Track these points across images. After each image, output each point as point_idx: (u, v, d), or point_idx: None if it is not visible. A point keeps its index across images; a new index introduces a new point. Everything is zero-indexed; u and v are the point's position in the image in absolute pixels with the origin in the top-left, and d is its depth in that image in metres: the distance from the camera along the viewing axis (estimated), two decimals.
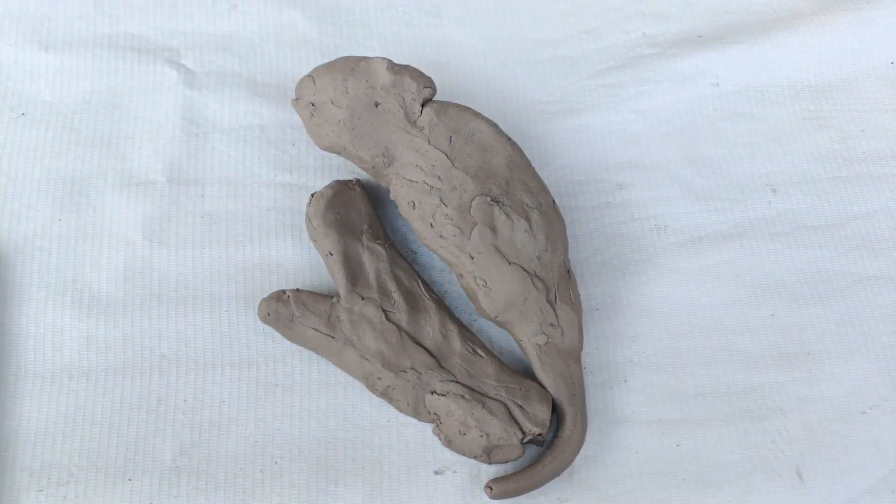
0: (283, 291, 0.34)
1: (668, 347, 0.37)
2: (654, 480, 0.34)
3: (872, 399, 0.36)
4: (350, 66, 0.34)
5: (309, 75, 0.34)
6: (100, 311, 0.36)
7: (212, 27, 0.42)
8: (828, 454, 0.35)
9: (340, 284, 0.34)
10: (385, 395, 0.34)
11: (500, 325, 0.34)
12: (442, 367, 0.33)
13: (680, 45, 0.43)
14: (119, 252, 0.37)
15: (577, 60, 0.42)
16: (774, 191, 0.40)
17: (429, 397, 0.33)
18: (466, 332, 0.35)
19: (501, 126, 0.34)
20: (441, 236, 0.34)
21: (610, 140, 0.41)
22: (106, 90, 0.40)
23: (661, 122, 0.41)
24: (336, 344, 0.34)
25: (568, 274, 0.34)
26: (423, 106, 0.33)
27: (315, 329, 0.34)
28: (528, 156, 0.35)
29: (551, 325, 0.33)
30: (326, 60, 0.34)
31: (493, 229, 0.33)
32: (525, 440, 0.33)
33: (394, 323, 0.34)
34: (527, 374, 0.35)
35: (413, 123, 0.33)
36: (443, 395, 0.33)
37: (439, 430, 0.33)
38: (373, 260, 0.35)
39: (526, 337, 0.34)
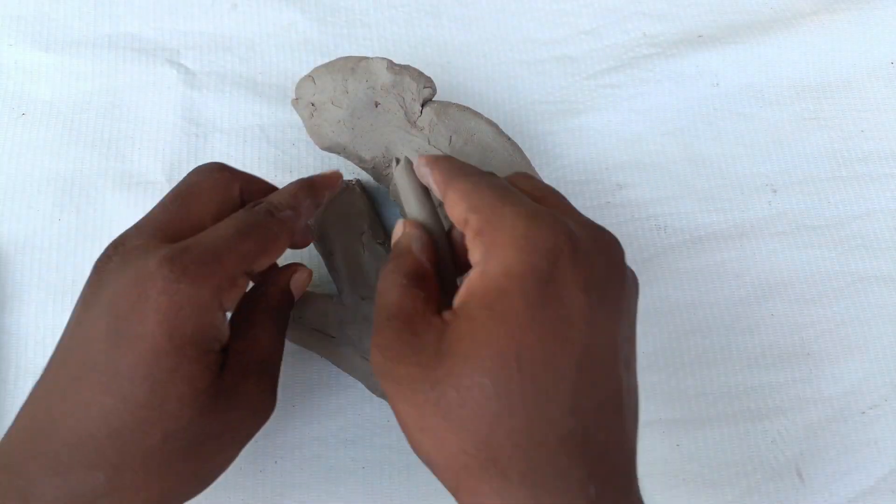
0: None
1: (668, 347, 0.37)
2: (654, 480, 0.34)
3: (872, 399, 0.36)
4: (350, 66, 0.34)
5: (309, 75, 0.34)
6: None
7: (212, 27, 0.42)
8: (828, 454, 0.35)
9: (340, 284, 0.34)
10: (385, 395, 0.34)
11: None
12: None
13: (680, 45, 0.43)
14: None
15: (577, 60, 0.42)
16: (774, 191, 0.40)
17: None
18: None
19: (501, 126, 0.34)
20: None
21: (610, 140, 0.41)
22: (106, 90, 0.40)
23: (661, 122, 0.41)
24: (336, 344, 0.34)
25: None
26: (423, 106, 0.33)
27: (315, 329, 0.34)
28: (528, 156, 0.35)
29: None
30: (326, 60, 0.34)
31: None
32: None
33: None
34: None
35: (413, 123, 0.33)
36: None
37: None
38: (373, 260, 0.34)
39: None
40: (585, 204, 0.39)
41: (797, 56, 0.43)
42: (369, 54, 0.36)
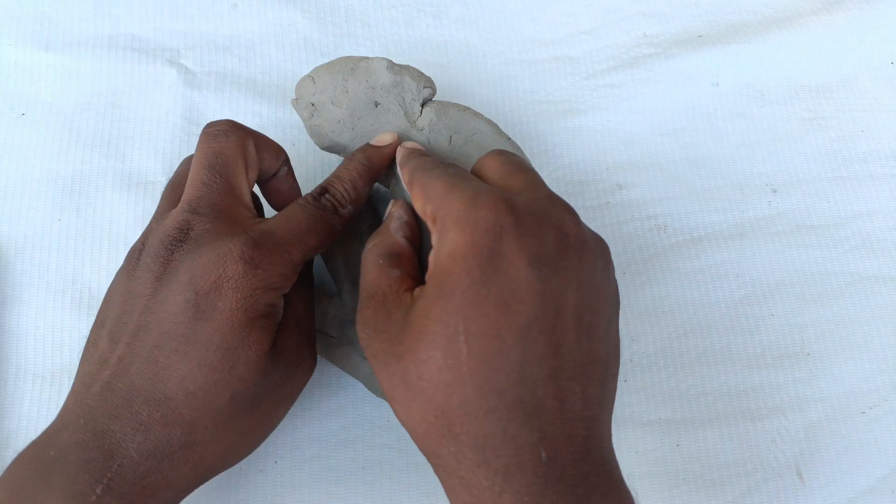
0: None
1: (668, 347, 0.37)
2: (654, 480, 0.34)
3: (872, 399, 0.36)
4: (350, 66, 0.33)
5: (309, 75, 0.34)
6: None
7: (212, 27, 0.42)
8: (828, 454, 0.35)
9: (340, 284, 0.34)
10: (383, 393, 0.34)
11: None
12: None
13: (680, 45, 0.43)
14: (119, 252, 0.37)
15: (577, 60, 0.42)
16: (774, 191, 0.40)
17: None
18: None
19: (501, 126, 0.34)
20: None
21: (610, 140, 0.41)
22: (106, 90, 0.40)
23: (661, 122, 0.41)
24: (336, 344, 0.34)
25: None
26: (423, 106, 0.33)
27: (315, 329, 0.34)
28: (528, 156, 0.35)
29: None
30: (326, 60, 0.34)
31: None
32: None
33: None
34: None
35: (413, 123, 0.33)
36: None
37: None
38: None
39: None
40: (585, 204, 0.39)
41: (797, 56, 0.43)
42: (369, 54, 0.36)
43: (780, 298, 0.38)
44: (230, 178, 0.28)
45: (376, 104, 0.33)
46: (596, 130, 0.41)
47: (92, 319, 0.35)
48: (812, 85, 0.43)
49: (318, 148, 0.36)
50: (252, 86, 0.41)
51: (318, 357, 0.34)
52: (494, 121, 0.34)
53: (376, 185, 0.37)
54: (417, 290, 0.26)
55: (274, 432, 0.33)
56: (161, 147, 0.39)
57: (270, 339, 0.27)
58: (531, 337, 0.23)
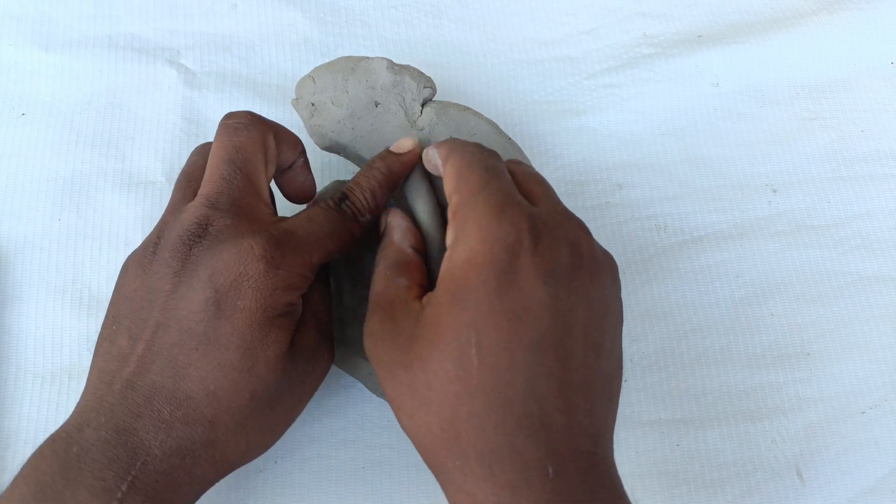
0: None
1: (668, 347, 0.37)
2: (654, 480, 0.34)
3: (872, 399, 0.36)
4: (350, 66, 0.34)
5: (309, 75, 0.34)
6: (100, 311, 0.36)
7: (212, 27, 0.42)
8: (828, 454, 0.35)
9: (340, 284, 0.34)
10: (384, 394, 0.34)
11: None
12: None
13: (680, 45, 0.43)
14: (119, 252, 0.37)
15: (577, 60, 0.42)
16: (774, 191, 0.40)
17: None
18: None
19: (501, 126, 0.34)
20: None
21: (610, 140, 0.41)
22: (106, 90, 0.40)
23: (661, 122, 0.41)
24: (336, 344, 0.34)
25: None
26: (423, 106, 0.33)
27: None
28: (528, 156, 0.35)
29: None
30: (326, 60, 0.34)
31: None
32: None
33: None
34: None
35: (413, 123, 0.33)
36: None
37: None
38: (373, 260, 0.34)
39: None
40: (585, 204, 0.39)
41: (797, 56, 0.43)
42: (369, 54, 0.36)
43: (780, 298, 0.38)
44: (251, 174, 0.28)
45: (376, 104, 0.33)
46: (596, 130, 0.41)
47: (92, 319, 0.36)
48: (812, 85, 0.43)
49: (318, 148, 0.36)
50: (252, 86, 0.41)
51: None
52: (494, 121, 0.34)
53: None
54: (426, 297, 0.26)
55: None
56: (161, 147, 0.39)
57: (289, 338, 0.27)
58: (541, 352, 0.23)
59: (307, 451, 0.34)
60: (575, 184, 0.40)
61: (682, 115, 0.41)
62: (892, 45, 0.43)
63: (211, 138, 0.39)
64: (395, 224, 0.30)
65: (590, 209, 0.39)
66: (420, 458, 0.34)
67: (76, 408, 0.26)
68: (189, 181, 0.29)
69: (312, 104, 0.34)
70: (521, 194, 0.26)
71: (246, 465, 0.33)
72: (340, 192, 0.30)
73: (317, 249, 0.27)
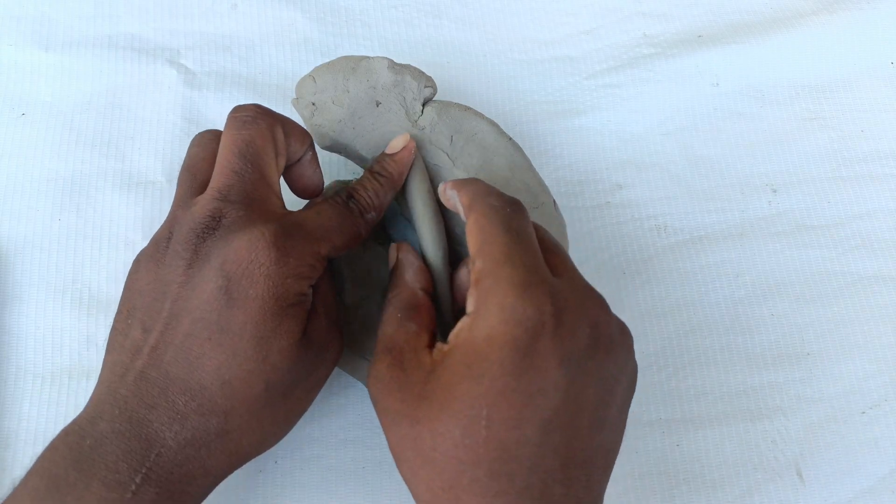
0: None
1: (668, 347, 0.37)
2: (654, 480, 0.34)
3: (872, 399, 0.36)
4: (351, 66, 0.33)
5: (309, 75, 0.34)
6: (100, 311, 0.36)
7: (212, 27, 0.42)
8: (828, 454, 0.35)
9: (341, 284, 0.34)
10: None
11: None
12: None
13: (680, 45, 0.43)
14: (119, 252, 0.37)
15: (577, 60, 0.42)
16: (774, 191, 0.40)
17: None
18: None
19: (501, 126, 0.34)
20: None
21: (610, 140, 0.41)
22: (106, 90, 0.40)
23: (661, 122, 0.41)
24: None
25: None
26: (423, 105, 0.33)
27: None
28: (528, 156, 0.35)
29: None
30: (326, 60, 0.34)
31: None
32: None
33: None
34: None
35: (414, 123, 0.33)
36: None
37: None
38: (373, 260, 0.34)
39: None
40: (585, 204, 0.39)
41: (797, 56, 0.43)
42: (369, 54, 0.36)
43: (780, 298, 0.38)
44: (262, 166, 0.28)
45: (377, 104, 0.33)
46: (596, 130, 0.41)
47: (92, 319, 0.36)
48: (812, 85, 0.43)
49: (318, 148, 0.36)
50: (252, 86, 0.41)
51: None
52: (494, 121, 0.34)
53: None
54: (437, 353, 0.26)
55: None
56: (161, 147, 0.39)
57: (301, 327, 0.27)
58: (550, 431, 0.24)
59: (307, 451, 0.34)
60: (575, 184, 0.40)
61: (682, 115, 0.41)
62: (892, 45, 0.43)
63: None
64: (407, 262, 0.30)
65: (590, 209, 0.39)
66: None
67: (88, 402, 0.26)
68: (193, 175, 0.29)
69: (313, 104, 0.34)
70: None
71: (246, 465, 0.33)
72: (346, 191, 0.30)
73: (325, 241, 0.28)
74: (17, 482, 0.33)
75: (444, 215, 0.33)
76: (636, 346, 0.36)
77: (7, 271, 0.37)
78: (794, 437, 0.35)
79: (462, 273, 0.30)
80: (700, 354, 0.37)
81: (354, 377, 0.34)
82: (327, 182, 0.36)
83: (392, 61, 0.33)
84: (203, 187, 0.28)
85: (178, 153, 0.39)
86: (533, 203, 0.34)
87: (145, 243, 0.37)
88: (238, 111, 0.29)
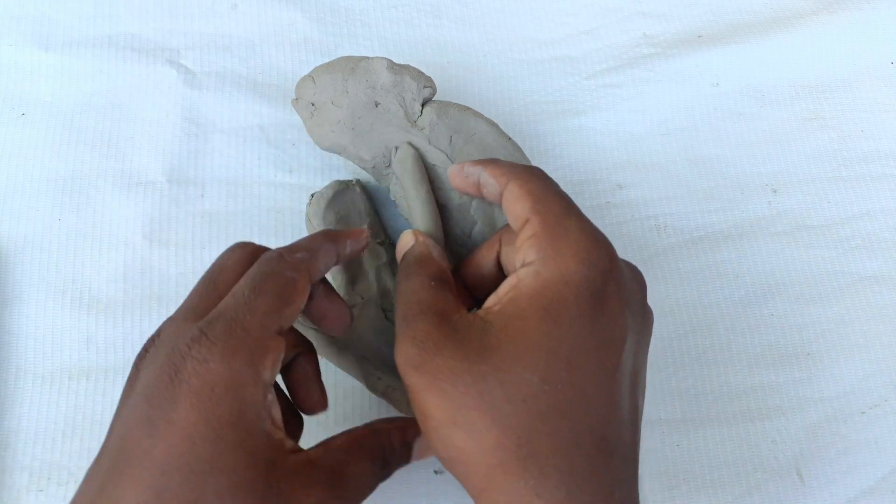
0: None
1: (668, 347, 0.37)
2: (654, 480, 0.34)
3: (872, 399, 0.36)
4: (350, 66, 0.33)
5: (309, 75, 0.34)
6: (100, 311, 0.36)
7: (212, 27, 0.42)
8: (828, 454, 0.35)
9: (340, 284, 0.34)
10: (385, 395, 0.34)
11: None
12: None
13: (680, 45, 0.43)
14: (119, 252, 0.37)
15: (577, 60, 0.42)
16: (774, 191, 0.40)
17: None
18: None
19: (502, 126, 0.34)
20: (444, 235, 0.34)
21: (610, 140, 0.41)
22: (106, 90, 0.40)
23: (661, 122, 0.41)
24: (336, 344, 0.34)
25: None
26: (423, 106, 0.33)
27: (315, 329, 0.34)
28: (528, 156, 0.34)
29: None
30: (326, 60, 0.34)
31: (494, 228, 0.33)
32: None
33: (392, 322, 0.34)
34: None
35: (413, 123, 0.33)
36: None
37: None
38: (373, 260, 0.34)
39: None
40: (585, 204, 0.39)
41: (797, 56, 0.43)
42: (369, 54, 0.36)
43: (780, 298, 0.38)
44: (217, 282, 0.26)
45: (376, 104, 0.33)
46: (596, 130, 0.41)
47: (92, 319, 0.36)
48: (812, 85, 0.43)
49: (318, 148, 0.36)
50: (252, 86, 0.41)
51: (319, 357, 0.34)
52: (494, 121, 0.34)
53: (376, 184, 0.37)
54: (486, 313, 0.24)
55: None
56: (161, 147, 0.39)
57: (253, 461, 0.21)
58: (614, 381, 0.23)
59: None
60: (575, 184, 0.40)
61: (682, 115, 0.41)
62: (892, 45, 0.43)
63: (210, 138, 0.39)
64: (431, 244, 0.29)
65: (590, 209, 0.39)
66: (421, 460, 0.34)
67: None
68: (207, 286, 0.26)
69: (312, 104, 0.34)
70: None
71: None
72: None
73: (250, 317, 0.23)
74: (16, 482, 0.33)
75: (441, 215, 0.33)
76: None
77: (7, 271, 0.37)
78: (794, 437, 0.35)
79: (483, 250, 0.29)
80: (700, 354, 0.37)
81: (354, 376, 0.34)
82: (327, 182, 0.36)
83: (391, 62, 0.33)
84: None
85: (178, 153, 0.39)
86: None
87: (145, 243, 0.37)
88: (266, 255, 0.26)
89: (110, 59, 0.41)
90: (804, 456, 0.35)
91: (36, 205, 0.38)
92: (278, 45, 0.42)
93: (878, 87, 0.43)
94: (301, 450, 0.24)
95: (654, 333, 0.37)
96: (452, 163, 0.33)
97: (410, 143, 0.33)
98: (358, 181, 0.37)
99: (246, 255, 0.27)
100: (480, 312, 0.24)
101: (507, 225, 0.28)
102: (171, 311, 0.35)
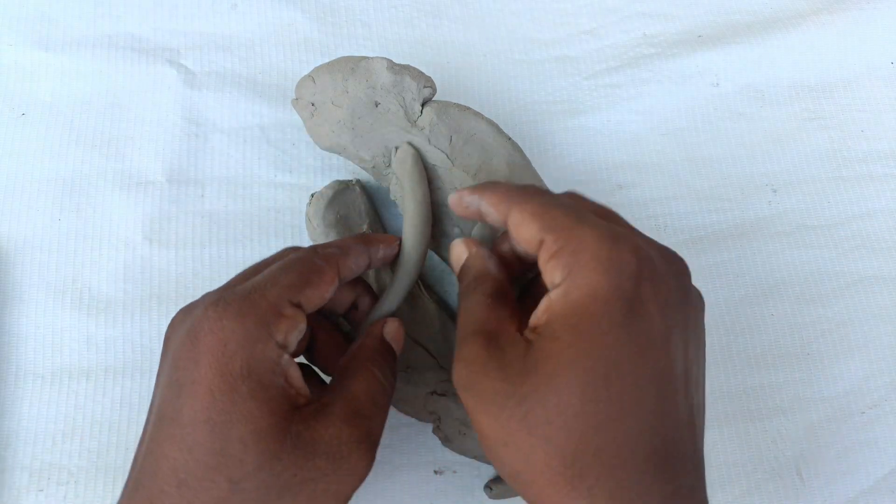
0: None
1: None
2: None
3: (872, 399, 0.36)
4: (350, 66, 0.33)
5: (309, 75, 0.34)
6: (100, 311, 0.36)
7: (212, 27, 0.42)
8: (828, 454, 0.35)
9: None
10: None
11: None
12: (442, 367, 0.33)
13: (680, 45, 0.43)
14: (119, 252, 0.37)
15: (577, 60, 0.42)
16: (774, 191, 0.40)
17: (429, 397, 0.33)
18: None
19: (501, 126, 0.34)
20: (442, 235, 0.34)
21: (610, 140, 0.41)
22: (106, 90, 0.40)
23: (661, 122, 0.41)
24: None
25: None
26: (423, 106, 0.33)
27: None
28: (528, 156, 0.34)
29: None
30: (326, 60, 0.34)
31: (493, 229, 0.33)
32: None
33: None
34: None
35: (413, 123, 0.33)
36: (443, 395, 0.33)
37: (439, 430, 0.33)
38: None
39: None
40: None
41: (797, 56, 0.43)
42: (369, 54, 0.36)
43: (780, 298, 0.38)
44: (260, 266, 0.27)
45: (376, 104, 0.33)
46: (596, 130, 0.41)
47: (92, 319, 0.36)
48: (812, 85, 0.43)
49: (318, 148, 0.36)
50: (252, 86, 0.41)
51: None
52: (494, 121, 0.34)
53: (376, 184, 0.37)
54: (528, 332, 0.24)
55: None
56: (161, 147, 0.39)
57: (269, 409, 0.23)
58: (662, 385, 0.23)
59: None
60: (575, 184, 0.40)
61: (682, 115, 0.41)
62: (892, 45, 0.43)
63: (210, 138, 0.39)
64: (486, 254, 0.28)
65: None
66: (420, 458, 0.34)
67: None
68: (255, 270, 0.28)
69: (312, 104, 0.34)
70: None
71: None
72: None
73: (270, 287, 0.25)
74: (16, 482, 0.33)
75: (441, 215, 0.33)
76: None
77: (7, 271, 0.37)
78: (794, 437, 0.35)
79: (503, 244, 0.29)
80: None
81: None
82: (327, 182, 0.36)
83: (391, 61, 0.33)
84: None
85: (178, 153, 0.39)
86: None
87: (145, 243, 0.37)
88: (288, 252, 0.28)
89: (110, 59, 0.41)
90: (804, 456, 0.35)
91: (36, 205, 0.38)
92: (278, 45, 0.42)
93: (878, 87, 0.43)
94: (316, 400, 0.25)
95: None
96: (452, 163, 0.33)
97: (410, 143, 0.33)
98: (358, 181, 0.37)
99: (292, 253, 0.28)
100: (526, 331, 0.24)
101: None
102: (172, 311, 0.35)
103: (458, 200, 0.28)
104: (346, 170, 0.39)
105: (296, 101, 0.35)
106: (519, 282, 0.30)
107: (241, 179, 0.39)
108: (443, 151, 0.33)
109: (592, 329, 0.22)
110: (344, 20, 0.43)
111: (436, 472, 0.34)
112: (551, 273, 0.24)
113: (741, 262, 0.39)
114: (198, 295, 0.26)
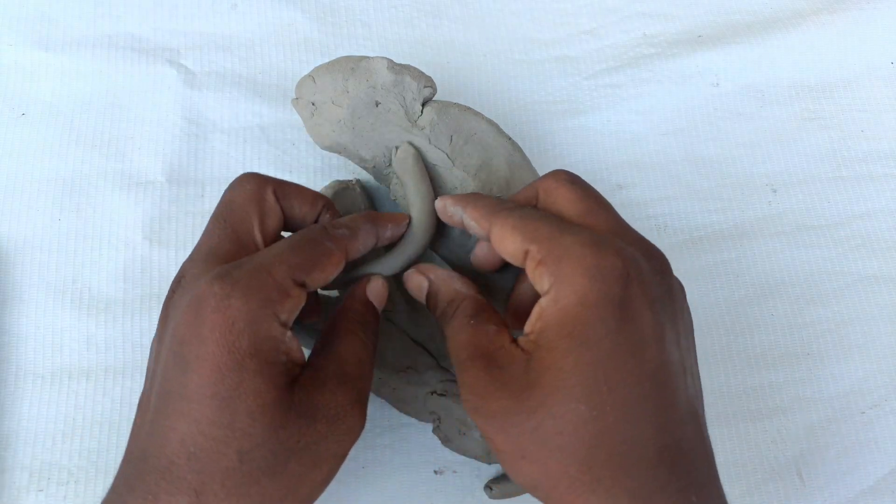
0: None
1: None
2: None
3: (872, 399, 0.36)
4: (350, 66, 0.33)
5: (309, 75, 0.34)
6: (100, 311, 0.36)
7: (212, 27, 0.42)
8: (828, 454, 0.35)
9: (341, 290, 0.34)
10: (385, 395, 0.34)
11: None
12: (442, 367, 0.33)
13: (680, 45, 0.43)
14: (119, 252, 0.37)
15: (577, 60, 0.42)
16: (774, 191, 0.40)
17: (429, 397, 0.33)
18: None
19: (501, 126, 0.34)
20: (442, 236, 0.34)
21: (610, 140, 0.41)
22: (106, 90, 0.40)
23: (661, 122, 0.41)
24: None
25: None
26: (423, 105, 0.33)
27: (315, 330, 0.34)
28: (528, 156, 0.35)
29: None
30: (326, 60, 0.34)
31: None
32: None
33: (394, 323, 0.34)
34: None
35: (414, 123, 0.33)
36: (443, 395, 0.33)
37: (439, 430, 0.33)
38: (372, 260, 0.34)
39: None
40: None
41: (797, 56, 0.43)
42: (369, 54, 0.36)
43: (780, 298, 0.38)
44: (236, 224, 0.27)
45: (377, 104, 0.33)
46: (596, 130, 0.41)
47: (92, 319, 0.36)
48: (812, 85, 0.43)
49: (318, 148, 0.36)
50: (252, 86, 0.41)
51: None
52: (494, 121, 0.34)
53: (376, 184, 0.37)
54: (523, 342, 0.24)
55: None
56: (161, 147, 0.39)
57: (275, 384, 0.24)
58: (661, 382, 0.23)
59: None
60: None
61: (682, 115, 0.41)
62: (892, 45, 0.43)
63: (210, 138, 0.39)
64: (445, 276, 0.28)
65: None
66: (420, 458, 0.34)
67: None
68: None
69: (313, 104, 0.34)
70: (583, 224, 0.26)
71: None
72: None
73: (276, 266, 0.25)
74: (16, 482, 0.33)
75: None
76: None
77: (7, 271, 0.37)
78: (794, 437, 0.35)
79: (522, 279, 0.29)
80: (700, 354, 0.36)
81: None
82: (327, 182, 0.36)
83: (391, 61, 0.33)
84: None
85: (178, 153, 0.39)
86: None
87: (145, 243, 0.37)
88: (232, 181, 0.29)
89: (110, 59, 0.41)
90: (804, 456, 0.35)
91: (36, 205, 0.38)
92: (278, 45, 0.42)
93: (878, 87, 0.43)
94: (308, 365, 0.26)
95: None
96: (453, 163, 0.33)
97: (411, 143, 0.33)
98: (358, 181, 0.37)
99: (254, 188, 0.28)
100: (521, 340, 0.25)
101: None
102: None
103: (443, 209, 0.29)
104: (346, 170, 0.39)
105: (296, 101, 0.35)
106: (507, 280, 0.30)
107: None
108: (443, 151, 0.33)
109: (588, 336, 0.23)
110: (344, 20, 0.43)
111: (436, 472, 0.34)
112: (539, 280, 0.24)
113: (741, 262, 0.39)
114: None
